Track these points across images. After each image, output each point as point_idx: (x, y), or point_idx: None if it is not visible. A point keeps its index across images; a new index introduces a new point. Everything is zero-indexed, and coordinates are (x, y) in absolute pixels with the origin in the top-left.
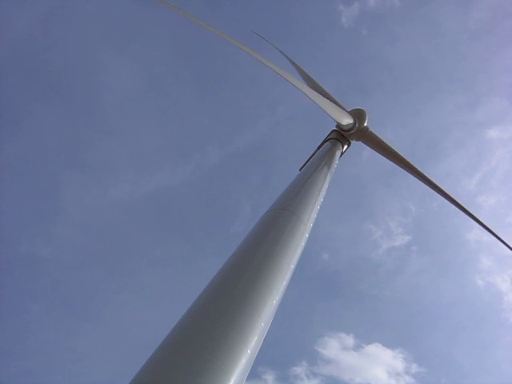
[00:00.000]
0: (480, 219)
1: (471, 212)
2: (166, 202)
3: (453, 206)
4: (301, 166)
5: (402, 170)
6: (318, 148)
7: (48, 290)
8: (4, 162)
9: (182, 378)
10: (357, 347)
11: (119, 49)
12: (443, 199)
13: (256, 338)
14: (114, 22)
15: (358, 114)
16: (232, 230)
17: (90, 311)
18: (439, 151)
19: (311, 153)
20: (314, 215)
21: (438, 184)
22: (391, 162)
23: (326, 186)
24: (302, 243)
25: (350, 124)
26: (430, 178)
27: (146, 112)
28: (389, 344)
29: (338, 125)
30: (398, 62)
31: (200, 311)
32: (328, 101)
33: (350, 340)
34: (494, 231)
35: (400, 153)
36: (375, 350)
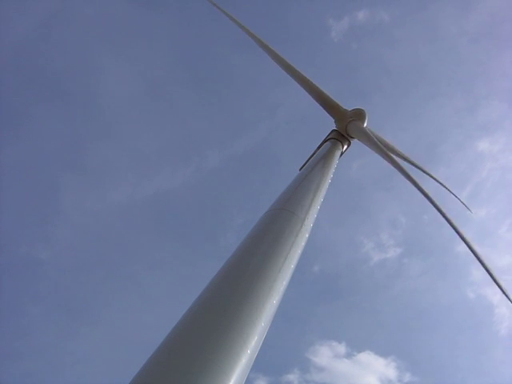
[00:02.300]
0: (465, 237)
1: (459, 230)
2: (165, 205)
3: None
4: (300, 166)
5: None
6: (318, 148)
7: (47, 292)
8: (4, 164)
9: (181, 378)
10: (348, 355)
11: (119, 52)
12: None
13: (256, 338)
14: (114, 26)
15: (357, 112)
16: (232, 233)
17: (89, 314)
18: (437, 155)
19: (311, 154)
20: (313, 215)
21: (430, 195)
22: (390, 164)
23: (326, 185)
24: (302, 243)
25: (344, 114)
26: (423, 188)
27: (145, 115)
28: (381, 352)
29: (333, 117)
30: (397, 66)
31: (200, 311)
32: (322, 91)
33: (341, 348)
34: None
35: (397, 154)
36: (367, 357)
